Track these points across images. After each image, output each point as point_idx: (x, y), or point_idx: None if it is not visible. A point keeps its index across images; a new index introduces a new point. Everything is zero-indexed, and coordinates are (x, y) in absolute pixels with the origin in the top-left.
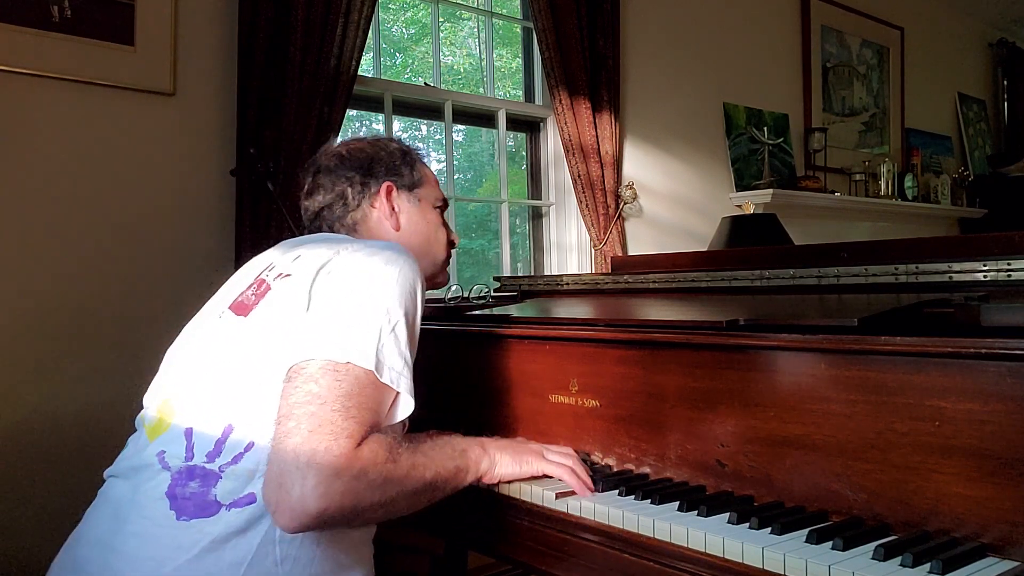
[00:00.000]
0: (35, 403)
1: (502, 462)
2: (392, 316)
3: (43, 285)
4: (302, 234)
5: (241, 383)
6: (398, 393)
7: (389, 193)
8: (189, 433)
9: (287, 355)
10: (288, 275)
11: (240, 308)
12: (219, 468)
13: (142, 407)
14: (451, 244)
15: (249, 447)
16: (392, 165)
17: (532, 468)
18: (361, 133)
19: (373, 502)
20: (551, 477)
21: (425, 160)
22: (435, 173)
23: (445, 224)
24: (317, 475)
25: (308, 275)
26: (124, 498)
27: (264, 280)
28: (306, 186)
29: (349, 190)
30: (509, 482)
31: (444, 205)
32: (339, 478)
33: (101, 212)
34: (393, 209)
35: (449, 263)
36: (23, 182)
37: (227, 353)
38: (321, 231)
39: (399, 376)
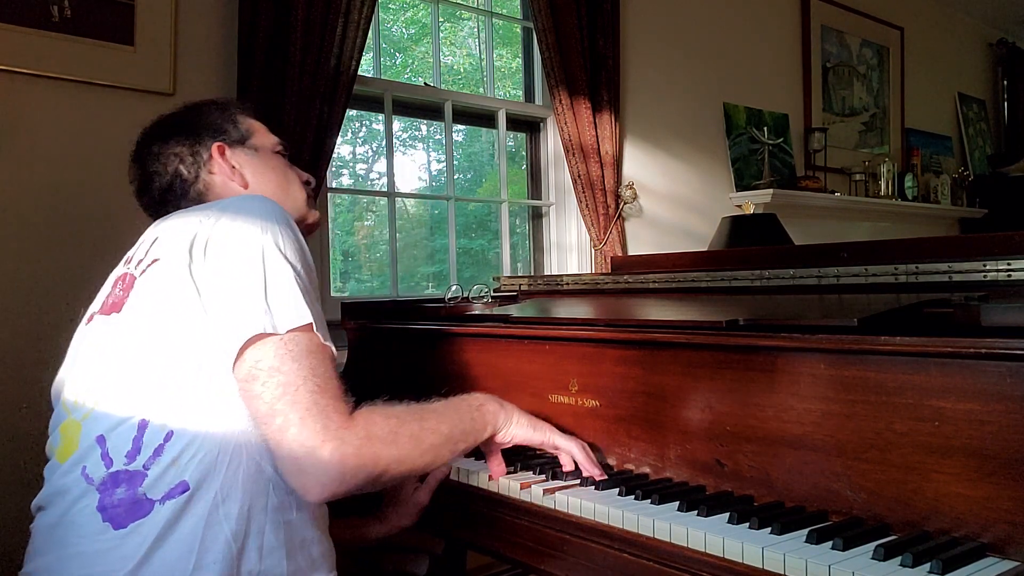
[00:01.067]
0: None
1: (518, 422)
2: (295, 263)
3: (44, 285)
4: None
5: (143, 376)
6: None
7: (222, 153)
8: (102, 440)
9: (199, 341)
10: (155, 260)
11: (110, 308)
12: (143, 466)
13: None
14: (307, 184)
15: (168, 436)
16: (214, 125)
17: (544, 436)
18: (361, 133)
19: (389, 457)
20: (556, 453)
21: (244, 109)
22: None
23: (291, 167)
24: (327, 447)
25: (179, 255)
26: (58, 524)
27: (127, 273)
28: (136, 182)
29: (181, 166)
30: (520, 445)
31: (284, 149)
32: (347, 444)
33: (101, 212)
34: (233, 167)
35: (314, 204)
36: (23, 182)
37: (115, 352)
38: (167, 213)
39: (323, 328)
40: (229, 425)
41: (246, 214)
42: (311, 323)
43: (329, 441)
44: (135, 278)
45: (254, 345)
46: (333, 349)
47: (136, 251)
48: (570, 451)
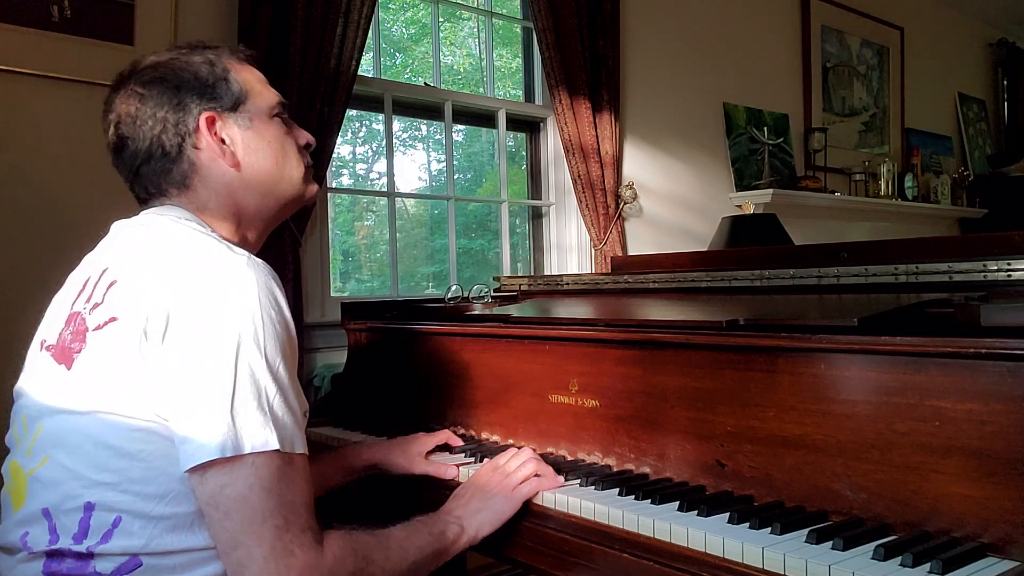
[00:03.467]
0: None
1: (480, 526)
2: (273, 359)
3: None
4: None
5: (89, 455)
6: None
7: (211, 125)
8: (47, 514)
9: (149, 435)
10: (112, 319)
11: (62, 354)
12: (87, 549)
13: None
14: (307, 147)
15: (117, 522)
16: (203, 86)
17: (508, 513)
18: (361, 133)
19: None
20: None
21: (242, 56)
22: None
23: (290, 130)
24: None
25: (135, 330)
26: None
27: (79, 314)
28: (110, 138)
29: (164, 135)
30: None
31: (282, 107)
32: None
33: (102, 212)
34: (223, 142)
35: (311, 175)
36: (24, 182)
37: (62, 416)
38: (148, 194)
39: (295, 438)
40: (185, 518)
41: (221, 295)
42: (278, 448)
43: None
44: (87, 329)
45: (217, 467)
46: (304, 449)
47: (93, 272)
48: (536, 492)
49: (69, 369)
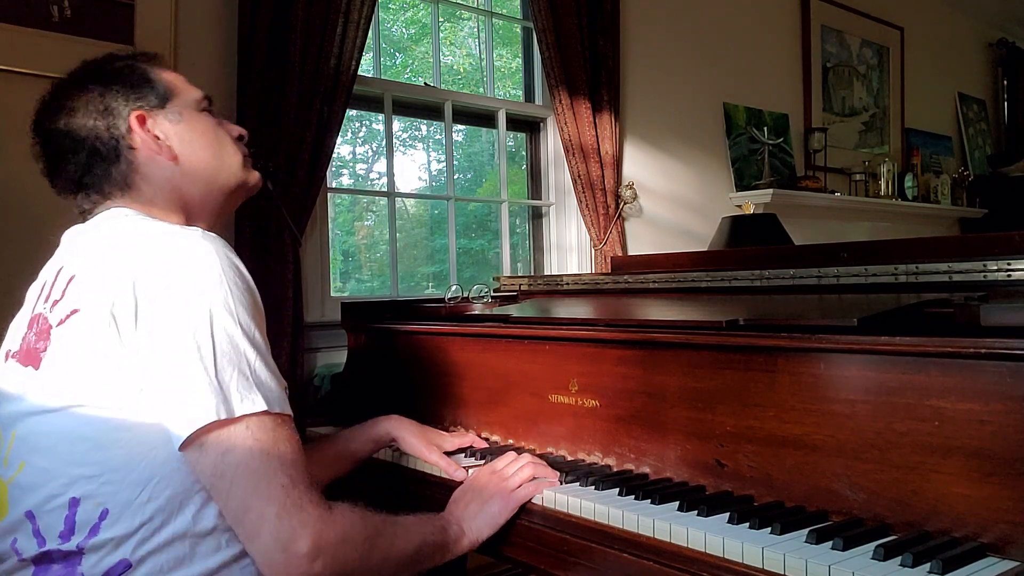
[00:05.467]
0: None
1: (480, 530)
2: (247, 324)
3: None
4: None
5: (67, 452)
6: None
7: (143, 123)
8: (32, 516)
9: (131, 418)
10: (74, 311)
11: (28, 357)
12: (77, 546)
13: None
14: (240, 139)
15: (104, 515)
16: (127, 88)
17: (506, 516)
18: (361, 133)
19: (360, 565)
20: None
21: (153, 60)
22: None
23: (221, 123)
24: (303, 543)
25: (101, 316)
26: None
27: (41, 315)
28: (44, 163)
29: (98, 142)
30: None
31: (208, 102)
32: (324, 539)
33: None
34: (157, 138)
35: (251, 161)
36: (23, 182)
37: (34, 415)
38: (92, 202)
39: (282, 399)
40: (171, 501)
41: (184, 270)
42: (266, 409)
43: (306, 536)
44: (50, 327)
45: (214, 434)
46: (289, 412)
47: (48, 276)
48: (534, 495)
49: (37, 369)
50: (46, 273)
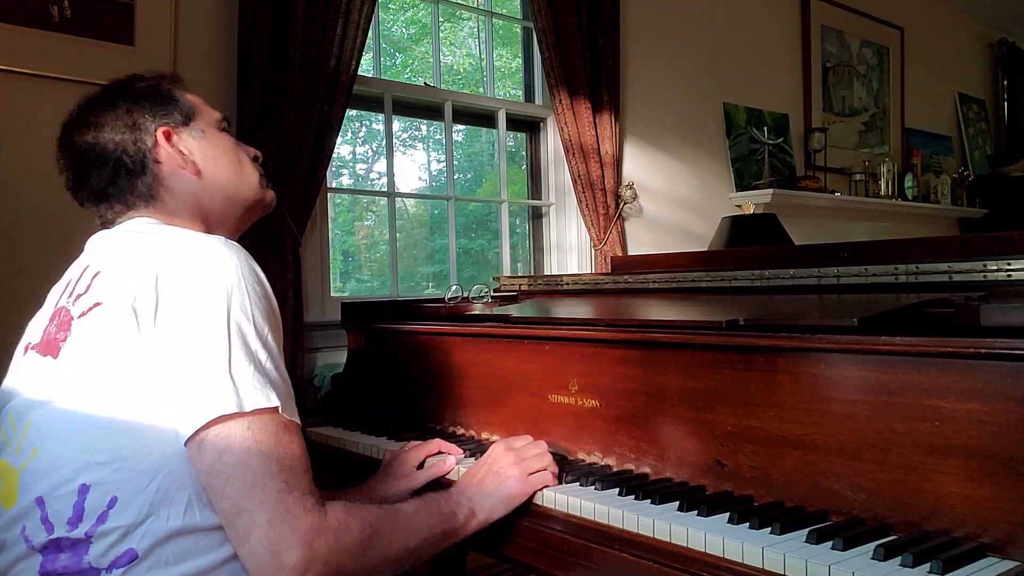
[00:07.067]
0: None
1: (492, 510)
2: (262, 327)
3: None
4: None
5: (82, 436)
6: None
7: (169, 139)
8: (41, 503)
9: (145, 408)
10: (97, 304)
11: (47, 347)
12: (85, 534)
13: None
14: (256, 160)
15: (112, 503)
16: (154, 106)
17: (521, 497)
18: (361, 133)
19: (357, 568)
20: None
21: (176, 82)
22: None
23: (239, 144)
24: (293, 553)
25: (123, 311)
26: None
27: (64, 308)
28: (69, 176)
29: (124, 156)
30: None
31: (227, 122)
32: (315, 551)
33: None
34: (183, 154)
35: (267, 182)
36: (24, 182)
37: (53, 403)
38: (115, 212)
39: (290, 403)
40: (179, 494)
41: (205, 270)
42: (278, 406)
43: (296, 547)
44: (72, 318)
45: (216, 428)
46: (298, 419)
47: (73, 275)
48: (545, 484)
49: (56, 358)
50: (71, 272)
